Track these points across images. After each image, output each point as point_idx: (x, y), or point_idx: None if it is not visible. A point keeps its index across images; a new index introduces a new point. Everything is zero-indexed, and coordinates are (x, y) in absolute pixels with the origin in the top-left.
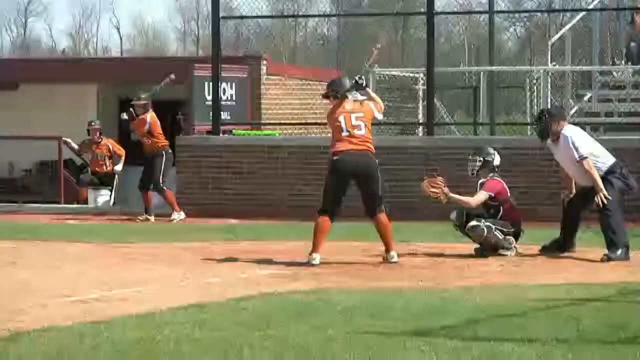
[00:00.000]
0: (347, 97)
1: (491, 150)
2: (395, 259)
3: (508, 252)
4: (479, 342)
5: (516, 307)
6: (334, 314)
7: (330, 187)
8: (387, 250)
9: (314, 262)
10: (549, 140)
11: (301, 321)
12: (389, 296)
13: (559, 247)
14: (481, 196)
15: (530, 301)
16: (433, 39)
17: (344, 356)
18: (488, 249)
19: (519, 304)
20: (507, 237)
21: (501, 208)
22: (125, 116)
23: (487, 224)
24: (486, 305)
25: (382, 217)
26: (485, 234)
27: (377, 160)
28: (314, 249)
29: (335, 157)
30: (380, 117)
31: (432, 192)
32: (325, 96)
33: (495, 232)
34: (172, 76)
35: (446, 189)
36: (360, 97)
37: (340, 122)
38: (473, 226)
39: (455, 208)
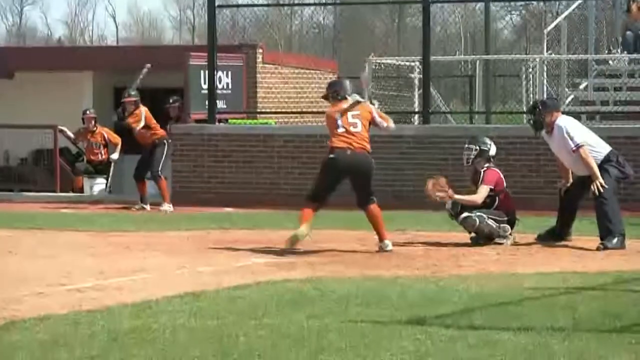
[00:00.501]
0: (347, 99)
1: (487, 140)
2: (390, 247)
3: (504, 241)
4: (474, 330)
5: (512, 296)
6: (329, 303)
7: (322, 182)
8: (381, 239)
9: (304, 232)
10: (543, 132)
11: (296, 310)
12: (384, 285)
13: (555, 235)
14: (484, 191)
15: (526, 290)
16: (429, 27)
17: (339, 345)
18: (483, 238)
19: (514, 292)
20: (502, 225)
21: (497, 198)
22: (115, 117)
23: (479, 213)
24: (482, 293)
25: (373, 207)
26: (477, 224)
27: (372, 159)
28: (303, 223)
29: (331, 155)
30: (383, 124)
31: (438, 195)
32: (325, 97)
33: (487, 221)
34: (149, 65)
35: (451, 191)
36: (360, 99)
37: (336, 119)
38: (464, 217)
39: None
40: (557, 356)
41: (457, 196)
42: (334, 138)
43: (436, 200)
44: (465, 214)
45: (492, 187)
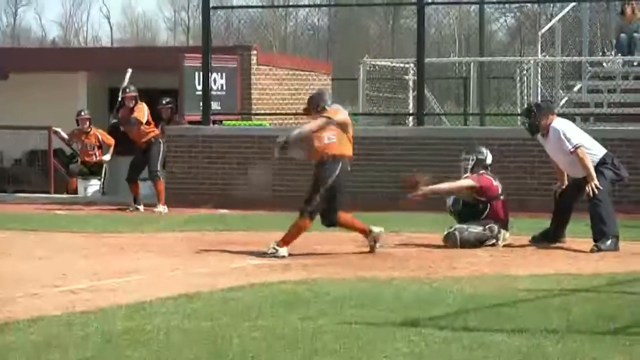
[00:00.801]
0: (327, 110)
1: (483, 149)
2: (377, 229)
3: (494, 240)
4: (468, 332)
5: (506, 297)
6: (323, 304)
7: (324, 193)
8: (366, 233)
9: (284, 255)
10: (538, 135)
11: (291, 311)
12: (378, 286)
13: (549, 237)
14: (464, 181)
15: (520, 291)
16: (424, 29)
17: (334, 346)
18: (474, 246)
19: (508, 294)
20: (488, 226)
21: (488, 206)
22: (113, 120)
23: (458, 226)
24: (476, 295)
25: (341, 217)
26: (458, 238)
27: None
28: (287, 243)
29: (345, 162)
30: None
31: (414, 184)
32: (307, 112)
33: (470, 230)
34: (130, 70)
35: (422, 187)
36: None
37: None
38: (445, 236)
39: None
40: (551, 358)
41: (427, 188)
42: (347, 145)
43: (411, 183)
44: (445, 232)
45: (477, 186)
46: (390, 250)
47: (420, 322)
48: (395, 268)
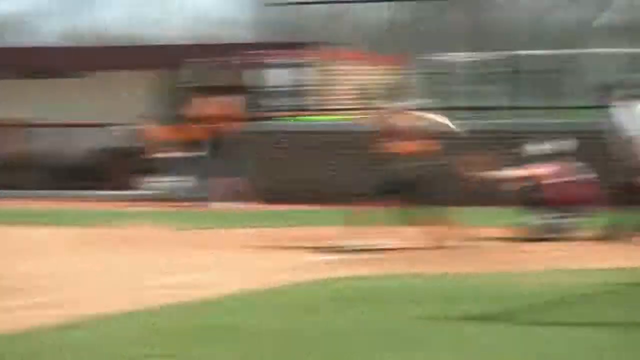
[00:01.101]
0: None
1: (553, 141)
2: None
3: (565, 231)
4: (548, 326)
5: (587, 291)
6: (402, 300)
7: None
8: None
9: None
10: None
11: (369, 306)
12: (457, 281)
13: (622, 230)
14: (517, 171)
15: (600, 285)
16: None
17: (430, 341)
18: (554, 234)
19: (585, 287)
20: (560, 216)
21: (544, 192)
22: (181, 115)
23: (529, 217)
24: (552, 289)
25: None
26: (530, 229)
27: None
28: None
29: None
30: None
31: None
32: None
33: (541, 220)
34: (211, 63)
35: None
36: None
37: None
38: (516, 229)
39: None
40: (633, 351)
41: (486, 174)
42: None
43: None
44: (517, 224)
45: (530, 177)
46: (461, 245)
47: (499, 316)
48: (469, 263)
